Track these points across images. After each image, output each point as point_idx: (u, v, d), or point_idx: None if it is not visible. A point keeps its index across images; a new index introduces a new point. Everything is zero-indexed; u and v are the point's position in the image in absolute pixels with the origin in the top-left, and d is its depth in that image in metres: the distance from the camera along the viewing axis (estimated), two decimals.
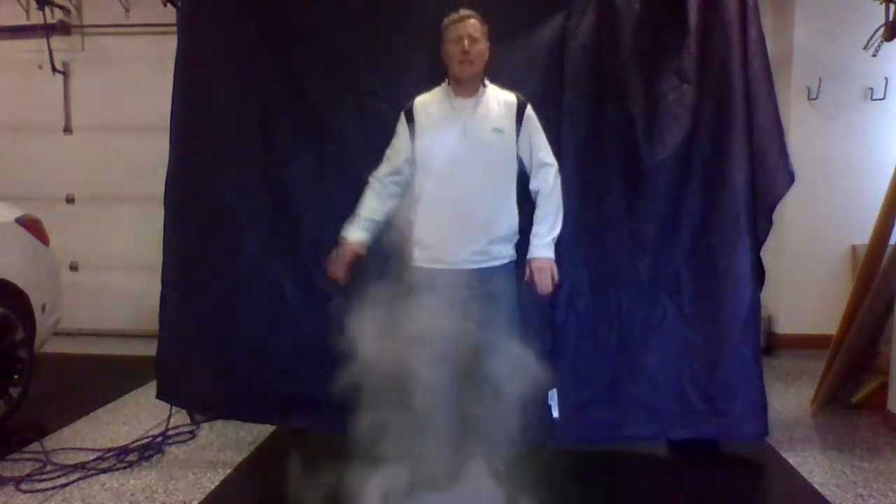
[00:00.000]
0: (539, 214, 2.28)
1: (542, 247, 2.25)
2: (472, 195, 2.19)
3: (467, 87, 2.23)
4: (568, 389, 2.57)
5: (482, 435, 2.18)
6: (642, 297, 2.63)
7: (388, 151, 2.35)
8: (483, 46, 2.21)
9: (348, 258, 2.31)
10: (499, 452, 2.18)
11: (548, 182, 2.27)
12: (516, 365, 2.13)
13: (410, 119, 2.29)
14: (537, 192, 2.29)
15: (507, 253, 2.27)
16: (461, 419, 2.21)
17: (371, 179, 2.35)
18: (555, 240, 2.27)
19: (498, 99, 2.26)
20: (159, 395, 2.82)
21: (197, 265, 2.72)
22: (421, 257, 2.23)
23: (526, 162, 2.29)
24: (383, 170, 2.34)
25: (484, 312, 2.17)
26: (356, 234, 2.32)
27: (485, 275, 2.21)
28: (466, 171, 2.19)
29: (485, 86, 2.26)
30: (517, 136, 2.25)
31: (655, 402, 2.59)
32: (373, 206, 2.33)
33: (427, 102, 2.30)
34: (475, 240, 2.19)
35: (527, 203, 2.33)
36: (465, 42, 2.16)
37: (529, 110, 2.27)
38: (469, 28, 2.18)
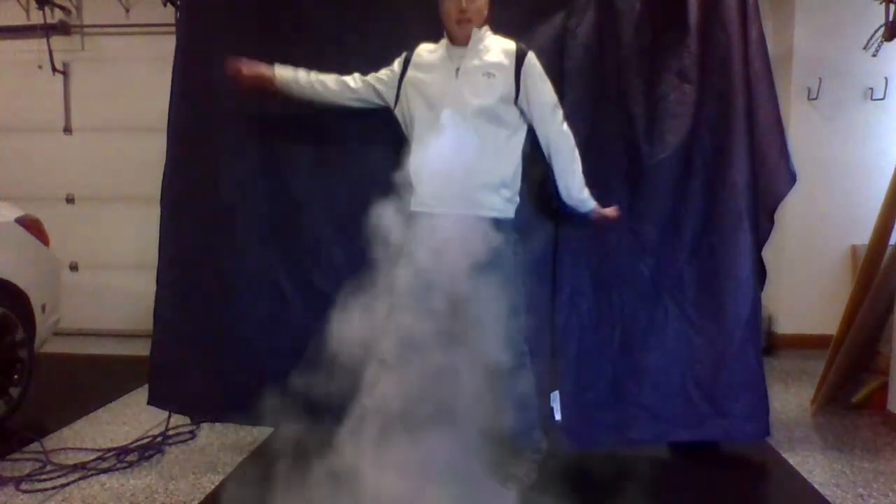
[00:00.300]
0: (558, 169, 2.26)
1: (580, 203, 2.28)
2: (457, 139, 2.14)
3: (465, 38, 2.24)
4: (570, 392, 2.57)
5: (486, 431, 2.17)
6: (644, 297, 2.63)
7: (374, 74, 2.39)
8: (481, 2, 2.20)
9: (257, 71, 2.34)
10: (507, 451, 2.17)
11: (552, 137, 2.23)
12: (511, 343, 2.08)
13: (406, 62, 2.33)
14: (548, 146, 2.26)
15: (495, 205, 2.20)
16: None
17: (350, 79, 2.40)
18: (584, 188, 2.30)
19: (497, 45, 2.23)
20: (152, 401, 2.74)
21: (195, 266, 2.69)
22: (413, 202, 2.23)
23: (526, 112, 2.25)
24: (358, 76, 2.39)
25: (474, 283, 2.07)
26: (282, 69, 2.36)
27: (473, 226, 2.12)
28: (453, 115, 2.16)
29: (482, 31, 2.23)
30: (516, 84, 2.20)
31: (658, 403, 2.59)
32: (321, 77, 2.37)
33: (427, 49, 2.33)
34: (459, 184, 2.14)
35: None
36: (463, 1, 2.15)
37: (530, 58, 2.22)
38: None
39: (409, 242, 2.17)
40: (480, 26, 2.24)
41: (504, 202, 2.24)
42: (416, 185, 2.22)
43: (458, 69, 2.23)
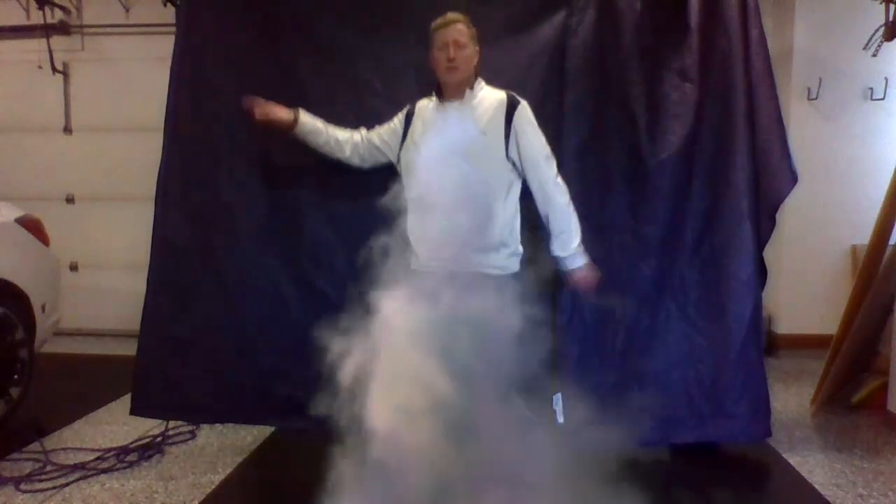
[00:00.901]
0: (554, 226, 2.23)
1: (572, 258, 2.23)
2: (453, 202, 2.10)
3: (456, 91, 2.22)
4: (571, 394, 2.57)
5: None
6: (646, 299, 2.62)
7: (377, 129, 2.40)
8: (470, 52, 2.19)
9: (275, 115, 2.34)
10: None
11: (546, 190, 2.20)
12: (494, 402, 2.03)
13: (408, 121, 2.31)
14: (542, 198, 2.23)
15: (496, 263, 2.18)
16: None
17: (357, 134, 2.42)
18: (580, 245, 2.24)
19: (489, 99, 2.21)
20: (136, 410, 2.63)
21: (191, 267, 2.67)
22: (413, 261, 2.22)
23: (518, 165, 2.23)
24: (364, 135, 2.40)
25: (469, 332, 2.01)
26: (307, 116, 2.37)
27: (476, 282, 2.07)
28: (449, 177, 2.13)
29: (473, 88, 2.22)
30: (506, 137, 2.18)
31: (661, 405, 2.58)
32: (334, 130, 2.40)
33: (422, 107, 2.31)
34: (456, 247, 2.12)
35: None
36: (451, 49, 2.14)
37: (521, 110, 2.19)
38: (455, 33, 2.15)
39: (410, 299, 2.09)
40: (471, 80, 2.21)
41: (505, 259, 2.21)
42: (414, 247, 2.20)
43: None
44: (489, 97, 2.22)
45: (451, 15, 2.22)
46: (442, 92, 2.26)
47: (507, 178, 2.21)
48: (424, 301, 1.99)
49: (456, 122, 2.18)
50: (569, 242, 2.23)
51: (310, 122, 2.38)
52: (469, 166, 2.10)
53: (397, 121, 2.36)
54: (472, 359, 1.99)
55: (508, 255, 2.21)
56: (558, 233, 2.23)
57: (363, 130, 2.44)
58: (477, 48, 2.23)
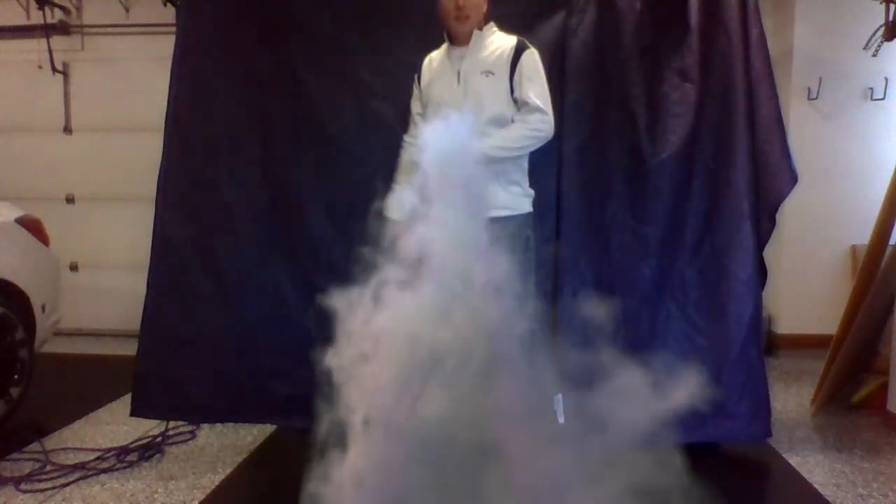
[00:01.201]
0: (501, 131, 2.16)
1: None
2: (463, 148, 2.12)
3: (465, 39, 2.23)
4: (572, 393, 2.56)
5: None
6: (647, 298, 2.63)
7: (412, 110, 2.40)
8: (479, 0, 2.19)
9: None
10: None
11: (524, 119, 2.14)
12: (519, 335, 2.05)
13: (419, 77, 2.35)
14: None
15: (504, 203, 2.17)
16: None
17: (404, 142, 2.38)
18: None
19: (496, 42, 2.22)
20: (137, 411, 2.66)
21: (192, 266, 2.67)
22: None
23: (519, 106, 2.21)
24: (411, 130, 2.38)
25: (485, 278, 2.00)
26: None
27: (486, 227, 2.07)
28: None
29: (481, 30, 2.22)
30: (510, 79, 2.17)
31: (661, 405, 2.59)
32: (409, 148, 2.35)
33: (432, 58, 2.34)
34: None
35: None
36: None
37: (528, 54, 2.19)
38: None
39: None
40: (481, 24, 2.23)
41: (515, 198, 2.22)
42: None
43: (458, 72, 2.23)
44: (498, 41, 2.22)
45: None
46: (451, 38, 2.27)
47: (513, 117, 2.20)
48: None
49: (466, 63, 2.21)
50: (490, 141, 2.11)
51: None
52: (478, 106, 2.14)
53: (414, 88, 2.38)
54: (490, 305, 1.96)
55: (519, 195, 2.23)
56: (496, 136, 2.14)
57: (409, 132, 2.40)
58: None
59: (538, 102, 2.17)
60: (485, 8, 2.23)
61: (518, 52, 2.20)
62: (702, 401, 2.61)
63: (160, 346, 2.66)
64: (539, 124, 2.17)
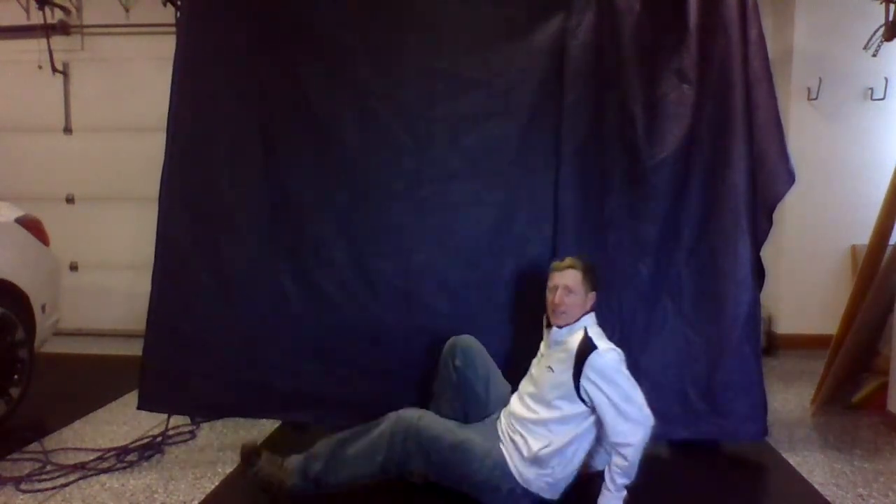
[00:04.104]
0: (613, 466, 2.11)
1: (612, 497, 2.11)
2: (516, 417, 2.25)
3: (559, 322, 2.28)
4: None
5: None
6: (644, 297, 2.64)
7: None
8: (578, 298, 2.24)
9: None
10: None
11: (620, 457, 2.09)
12: None
13: None
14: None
15: (502, 475, 2.17)
16: None
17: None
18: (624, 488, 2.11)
19: (571, 339, 2.20)
20: (143, 405, 2.69)
21: (195, 265, 2.69)
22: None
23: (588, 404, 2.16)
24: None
25: None
26: None
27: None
28: (523, 394, 2.30)
29: (562, 327, 2.24)
30: (575, 383, 2.13)
31: (657, 403, 2.58)
32: None
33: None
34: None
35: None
36: (559, 293, 2.23)
37: (593, 360, 2.11)
38: (566, 279, 2.25)
39: None
40: (576, 318, 2.25)
41: (526, 479, 2.17)
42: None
43: (540, 355, 2.33)
44: (575, 337, 2.20)
45: (569, 259, 2.31)
46: (548, 321, 2.34)
47: (564, 417, 2.18)
48: None
49: (546, 347, 2.32)
50: (616, 478, 2.10)
51: None
52: (532, 393, 2.26)
53: None
54: None
55: (536, 477, 2.18)
56: (613, 468, 2.11)
57: None
58: (592, 293, 2.28)
59: (622, 426, 2.09)
60: (589, 305, 2.28)
61: (579, 355, 2.14)
62: (697, 399, 2.62)
63: (165, 343, 2.68)
64: (628, 422, 2.10)
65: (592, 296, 2.29)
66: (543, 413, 2.19)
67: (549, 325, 2.33)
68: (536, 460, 2.16)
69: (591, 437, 2.22)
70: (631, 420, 2.08)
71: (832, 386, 3.27)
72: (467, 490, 2.22)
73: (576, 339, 2.19)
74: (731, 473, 2.63)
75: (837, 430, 3.05)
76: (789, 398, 3.49)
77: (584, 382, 2.11)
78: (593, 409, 2.15)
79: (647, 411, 2.11)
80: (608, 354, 2.14)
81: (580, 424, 2.18)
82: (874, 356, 3.30)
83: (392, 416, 2.23)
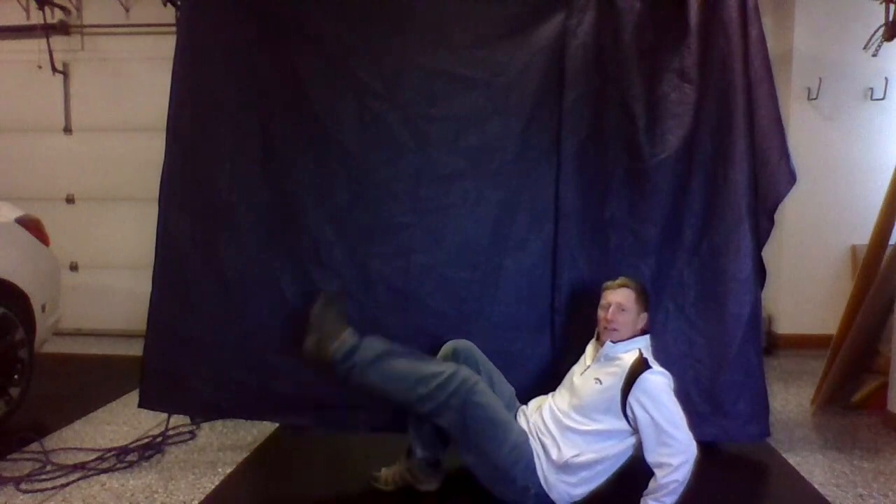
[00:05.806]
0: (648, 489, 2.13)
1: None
2: (548, 421, 2.25)
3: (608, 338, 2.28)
4: None
5: None
6: None
7: None
8: (630, 316, 2.25)
9: None
10: None
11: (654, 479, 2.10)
12: None
13: None
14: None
15: (525, 470, 2.18)
16: None
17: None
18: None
19: (625, 357, 2.20)
20: (144, 403, 2.67)
21: (194, 265, 2.68)
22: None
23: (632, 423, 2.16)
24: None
25: None
26: None
27: None
28: (563, 400, 2.29)
29: (615, 343, 2.24)
30: (622, 399, 2.13)
31: None
32: None
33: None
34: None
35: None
36: (611, 310, 2.25)
37: (644, 379, 2.11)
38: (619, 296, 2.27)
39: None
40: (627, 336, 2.25)
41: (556, 483, 2.18)
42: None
43: (587, 367, 2.30)
44: (628, 353, 2.21)
45: (622, 279, 2.34)
46: (599, 336, 2.35)
47: (601, 430, 2.18)
48: None
49: (595, 359, 2.29)
50: (648, 501, 2.13)
51: None
52: (570, 401, 2.25)
53: None
54: None
55: (553, 486, 2.19)
56: (654, 488, 2.12)
57: None
58: (644, 313, 2.30)
59: (666, 452, 2.09)
60: (640, 324, 2.29)
61: (632, 373, 2.14)
62: (699, 400, 2.62)
63: (165, 343, 2.67)
64: (670, 448, 2.09)
65: (644, 317, 2.31)
66: (582, 423, 2.20)
67: (598, 339, 2.35)
68: (566, 467, 2.16)
69: (620, 461, 2.22)
70: (671, 443, 2.08)
71: (832, 386, 3.27)
72: (480, 471, 2.22)
73: (630, 357, 2.19)
74: (730, 473, 2.63)
75: (837, 430, 3.05)
76: (789, 398, 3.49)
77: (631, 400, 2.11)
78: (635, 430, 2.15)
79: (690, 437, 2.10)
80: (659, 377, 2.15)
81: (616, 445, 2.19)
82: (874, 356, 3.30)
83: (452, 366, 2.26)
